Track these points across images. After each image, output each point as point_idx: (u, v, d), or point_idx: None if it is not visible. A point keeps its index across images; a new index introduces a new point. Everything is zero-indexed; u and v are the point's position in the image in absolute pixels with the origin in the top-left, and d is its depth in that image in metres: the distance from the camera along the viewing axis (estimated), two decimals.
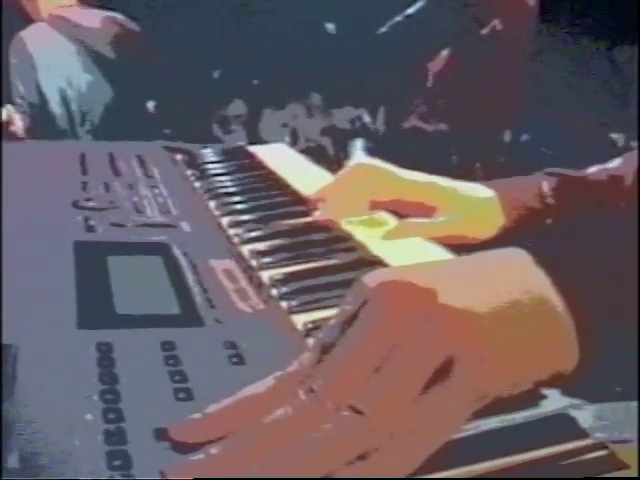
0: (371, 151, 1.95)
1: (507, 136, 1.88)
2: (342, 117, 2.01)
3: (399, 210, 0.84)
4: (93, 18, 1.84)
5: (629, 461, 0.44)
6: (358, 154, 2.00)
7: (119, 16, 1.89)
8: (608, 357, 0.44)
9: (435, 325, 0.41)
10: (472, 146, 1.88)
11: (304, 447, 0.40)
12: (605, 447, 0.45)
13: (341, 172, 0.87)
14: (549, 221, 0.83)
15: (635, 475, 0.43)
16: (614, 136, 1.71)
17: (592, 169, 0.88)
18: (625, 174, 0.85)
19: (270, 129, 1.98)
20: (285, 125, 1.99)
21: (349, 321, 0.44)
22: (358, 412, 0.40)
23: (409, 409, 0.40)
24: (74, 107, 1.56)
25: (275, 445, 0.41)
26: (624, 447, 0.44)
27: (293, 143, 1.86)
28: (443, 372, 0.41)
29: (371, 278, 0.45)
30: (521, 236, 0.82)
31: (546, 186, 0.84)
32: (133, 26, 1.88)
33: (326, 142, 2.00)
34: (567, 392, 0.46)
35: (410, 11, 1.90)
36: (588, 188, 0.85)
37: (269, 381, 0.44)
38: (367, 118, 1.98)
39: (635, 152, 0.91)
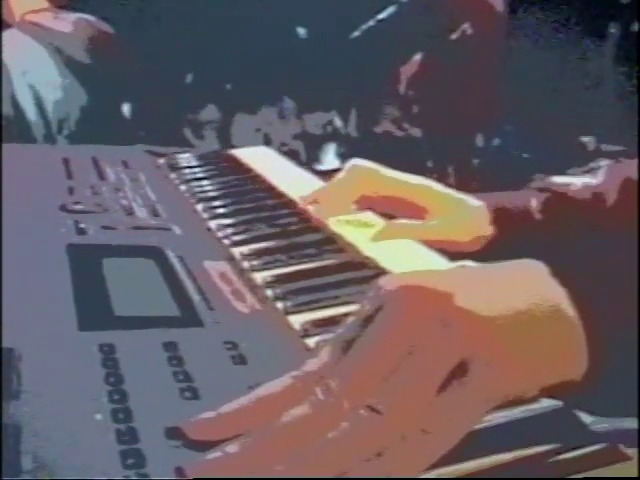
0: (344, 155, 1.95)
1: (480, 140, 1.90)
2: (314, 122, 2.01)
3: (391, 209, 0.84)
4: (65, 21, 1.83)
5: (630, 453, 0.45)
6: (331, 159, 2.00)
7: (91, 18, 1.88)
8: (617, 368, 0.45)
9: (451, 329, 0.42)
10: (445, 150, 1.89)
11: (321, 445, 0.41)
12: (606, 440, 0.46)
13: (336, 176, 0.88)
14: (536, 237, 0.84)
15: (635, 475, 0.44)
16: (585, 139, 1.73)
17: (576, 185, 0.89)
18: (607, 191, 0.86)
19: (243, 134, 1.99)
20: (258, 130, 1.99)
21: (366, 322, 0.44)
22: (375, 411, 0.41)
23: (424, 410, 0.41)
24: (50, 114, 1.55)
25: (292, 443, 0.41)
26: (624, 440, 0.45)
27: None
28: (458, 375, 0.42)
29: (388, 281, 0.46)
30: (508, 249, 0.83)
31: (534, 202, 0.85)
32: (106, 27, 1.87)
33: (299, 146, 2.00)
34: (574, 405, 0.47)
35: (382, 16, 1.91)
36: (575, 206, 0.86)
37: (286, 380, 0.45)
38: (339, 122, 1.98)
39: (617, 166, 0.92)
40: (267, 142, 1.98)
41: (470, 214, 0.84)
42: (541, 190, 0.87)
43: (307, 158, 1.98)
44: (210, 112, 2.01)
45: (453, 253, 0.79)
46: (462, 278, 0.48)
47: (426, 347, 0.42)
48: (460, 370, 0.42)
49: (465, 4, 1.98)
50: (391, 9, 1.89)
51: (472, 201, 0.85)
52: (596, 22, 1.75)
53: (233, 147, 1.85)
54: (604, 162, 0.96)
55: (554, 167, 0.93)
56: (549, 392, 0.45)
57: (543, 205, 0.85)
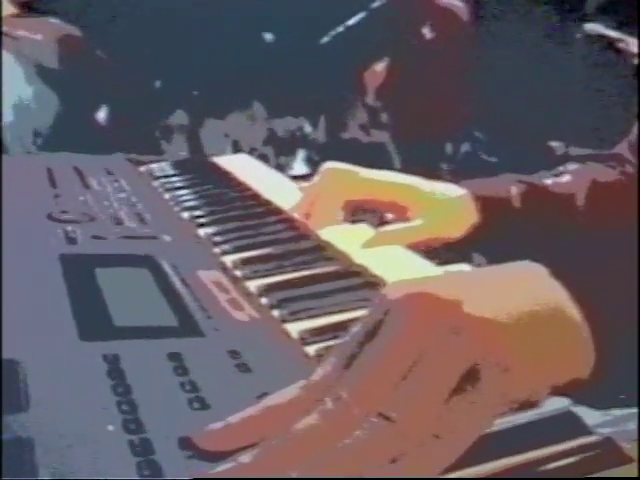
0: (313, 161, 1.96)
1: (448, 145, 1.91)
2: (284, 127, 2.01)
3: (373, 208, 0.85)
4: (33, 28, 1.81)
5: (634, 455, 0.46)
6: (299, 164, 2.01)
7: (58, 22, 1.86)
8: (621, 365, 0.46)
9: (461, 335, 0.43)
10: (413, 155, 1.90)
11: (335, 454, 0.41)
12: (610, 442, 0.47)
13: (311, 183, 0.88)
14: (516, 224, 0.86)
15: (635, 475, 0.45)
16: (553, 144, 1.75)
17: (548, 181, 0.91)
18: (576, 191, 0.88)
19: (212, 139, 1.98)
20: (227, 135, 1.99)
21: (372, 331, 0.45)
22: (387, 419, 0.42)
23: (436, 415, 0.42)
24: (24, 124, 1.54)
25: (305, 452, 0.41)
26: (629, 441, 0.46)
27: (235, 153, 1.86)
28: (468, 380, 0.42)
29: (393, 289, 0.46)
30: (489, 236, 0.84)
31: (514, 190, 0.86)
32: (74, 31, 1.86)
33: (268, 151, 2.01)
34: (577, 400, 0.48)
35: (351, 22, 1.92)
36: (551, 198, 0.87)
37: (293, 390, 0.45)
38: (309, 128, 1.99)
39: (584, 168, 0.94)
40: (236, 147, 1.98)
41: (454, 206, 0.84)
42: (519, 181, 0.89)
43: (276, 163, 1.99)
44: (179, 117, 2.01)
45: (437, 249, 0.80)
46: (465, 283, 0.49)
47: (436, 354, 0.43)
48: (471, 375, 0.43)
49: (428, 10, 2.00)
50: (360, 15, 1.90)
51: (455, 190, 0.85)
52: (563, 28, 1.77)
53: (203, 152, 1.85)
54: (572, 166, 0.98)
55: (523, 171, 0.94)
56: (558, 391, 0.46)
57: (522, 194, 0.86)
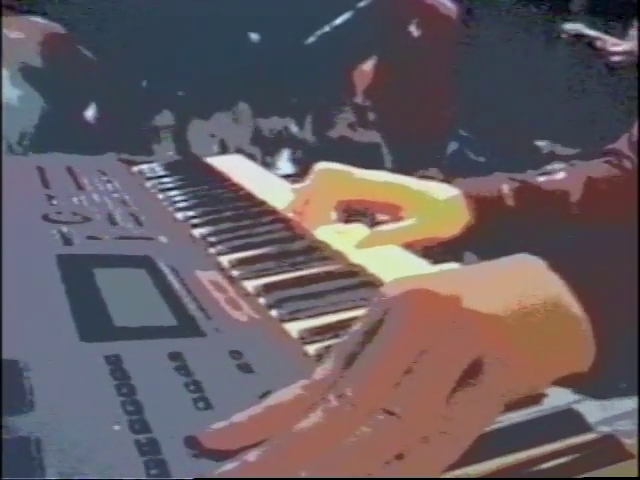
0: (300, 160, 1.96)
1: (436, 144, 1.92)
2: (270, 126, 2.01)
3: (366, 208, 0.86)
4: (15, 27, 1.80)
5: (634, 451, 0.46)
6: (286, 164, 2.01)
7: (42, 20, 1.86)
8: (621, 355, 0.47)
9: (461, 330, 0.43)
10: (402, 153, 1.91)
11: (342, 451, 0.41)
12: (611, 439, 0.47)
13: (304, 183, 0.88)
14: (509, 222, 0.86)
15: (635, 475, 0.45)
16: (539, 143, 1.76)
17: (541, 178, 0.92)
18: (571, 189, 0.89)
19: (198, 139, 1.98)
20: (213, 135, 1.99)
21: (373, 328, 0.45)
22: (391, 414, 0.42)
23: (440, 410, 0.42)
24: (9, 125, 1.53)
25: (311, 450, 0.42)
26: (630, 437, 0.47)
27: (222, 153, 1.86)
28: (471, 374, 0.43)
29: (392, 287, 0.46)
30: (481, 235, 0.85)
31: (506, 188, 0.87)
32: (58, 29, 1.85)
33: (255, 151, 2.00)
34: (578, 390, 0.49)
35: (338, 22, 1.93)
36: (543, 196, 0.88)
37: (296, 389, 0.45)
38: (295, 127, 1.99)
39: (578, 166, 0.95)
40: (223, 147, 1.98)
41: (447, 205, 0.85)
42: (511, 179, 0.90)
43: (263, 163, 1.99)
44: (165, 118, 2.00)
45: (431, 248, 0.81)
46: (464, 279, 0.49)
47: (437, 349, 0.43)
48: (473, 370, 0.43)
49: (415, 8, 2.00)
50: (347, 15, 1.91)
51: (448, 190, 0.86)
52: (548, 27, 1.78)
53: (190, 152, 1.85)
54: (559, 165, 0.99)
55: (511, 170, 0.95)
56: (559, 383, 0.47)
57: (515, 192, 0.87)
